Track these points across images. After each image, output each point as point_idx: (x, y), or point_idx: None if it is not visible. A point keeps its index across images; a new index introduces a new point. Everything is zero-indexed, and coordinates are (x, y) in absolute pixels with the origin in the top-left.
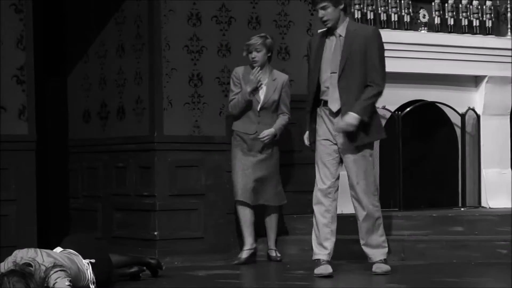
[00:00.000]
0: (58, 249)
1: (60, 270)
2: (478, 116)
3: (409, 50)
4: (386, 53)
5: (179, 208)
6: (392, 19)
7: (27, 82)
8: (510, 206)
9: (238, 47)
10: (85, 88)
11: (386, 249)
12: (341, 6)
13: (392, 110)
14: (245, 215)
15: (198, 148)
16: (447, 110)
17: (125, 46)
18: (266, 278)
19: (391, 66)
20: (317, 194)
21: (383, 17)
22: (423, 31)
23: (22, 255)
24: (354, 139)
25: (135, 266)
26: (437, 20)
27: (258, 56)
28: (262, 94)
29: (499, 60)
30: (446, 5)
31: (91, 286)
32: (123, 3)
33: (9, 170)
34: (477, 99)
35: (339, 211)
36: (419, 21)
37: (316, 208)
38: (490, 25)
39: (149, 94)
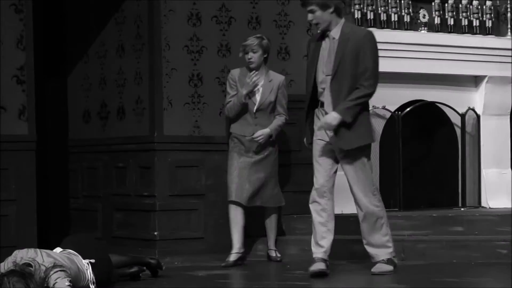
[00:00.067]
0: (58, 249)
1: (60, 270)
2: (478, 116)
3: (409, 50)
4: (386, 53)
5: (179, 208)
6: (392, 19)
7: (27, 82)
8: (510, 206)
9: (238, 47)
10: (85, 88)
11: (391, 249)
12: (331, 9)
13: (392, 110)
14: (237, 217)
15: (198, 148)
16: (447, 110)
17: (125, 46)
18: (266, 278)
19: (391, 66)
20: (312, 193)
21: (383, 17)
22: (423, 31)
23: (22, 255)
24: (343, 143)
25: (135, 266)
26: (437, 20)
27: (254, 57)
28: (258, 95)
29: (499, 60)
30: (446, 5)
31: (91, 286)
32: (123, 3)
33: (9, 170)
34: (477, 99)
35: (339, 211)
36: (419, 21)
37: (312, 207)
38: (490, 25)
39: (149, 94)
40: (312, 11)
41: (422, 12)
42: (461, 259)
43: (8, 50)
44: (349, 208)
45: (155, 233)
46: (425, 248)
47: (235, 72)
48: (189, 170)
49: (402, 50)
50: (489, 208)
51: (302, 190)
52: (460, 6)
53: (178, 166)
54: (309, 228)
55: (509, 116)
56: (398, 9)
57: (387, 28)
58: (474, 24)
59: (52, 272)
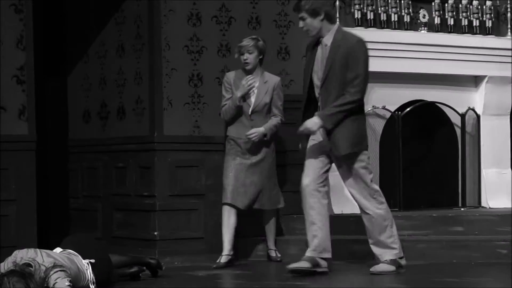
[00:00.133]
0: (58, 250)
1: (60, 270)
2: (478, 116)
3: (409, 50)
4: (386, 53)
5: (179, 208)
6: (392, 19)
7: (27, 82)
8: (510, 206)
9: None
10: (85, 88)
11: (396, 250)
12: (321, 17)
13: (392, 110)
14: (230, 219)
15: (198, 148)
16: (447, 110)
17: (125, 46)
18: (266, 278)
19: (391, 66)
20: (301, 192)
21: (383, 17)
22: (423, 31)
23: (22, 255)
24: (335, 150)
25: (135, 266)
26: (437, 20)
27: (250, 58)
28: (253, 97)
29: (499, 60)
30: (446, 5)
31: (91, 286)
32: (123, 3)
33: (9, 170)
34: (477, 99)
35: (339, 211)
36: (419, 21)
37: (303, 205)
38: (490, 25)
39: (149, 94)
40: (302, 18)
41: (422, 12)
42: (461, 259)
43: (8, 50)
44: (349, 208)
45: (155, 233)
46: (425, 248)
47: (230, 75)
48: (189, 170)
49: (402, 50)
50: (489, 208)
51: None
52: (460, 6)
53: (178, 166)
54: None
55: (509, 116)
56: (398, 9)
57: (387, 28)
58: (474, 24)
59: (52, 272)
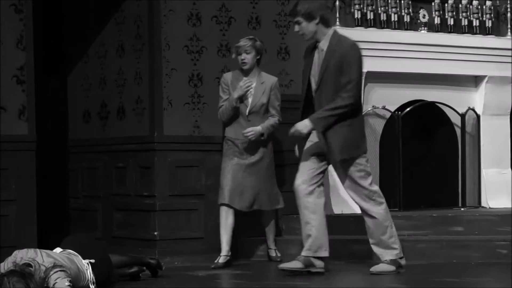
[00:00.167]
0: (58, 250)
1: (60, 271)
2: (478, 116)
3: (409, 50)
4: (386, 53)
5: (179, 208)
6: (392, 19)
7: (27, 82)
8: (510, 206)
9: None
10: (85, 88)
11: (396, 251)
12: (316, 20)
13: (392, 110)
14: (227, 220)
15: (198, 148)
16: (447, 110)
17: (125, 46)
18: (266, 278)
19: (391, 66)
20: (294, 192)
21: (383, 17)
22: (423, 31)
23: (22, 255)
24: (331, 155)
25: (135, 266)
26: (437, 20)
27: (247, 57)
28: (250, 98)
29: (499, 60)
30: (446, 5)
31: (91, 286)
32: (123, 3)
33: (9, 170)
34: (477, 99)
35: (338, 211)
36: (419, 21)
37: (297, 206)
38: (490, 25)
39: (149, 94)
40: (298, 22)
41: (422, 12)
42: (461, 259)
43: (8, 50)
44: (349, 208)
45: (155, 233)
46: (425, 248)
47: (228, 76)
48: (189, 170)
49: (402, 50)
50: (489, 208)
51: None
52: (460, 6)
53: (178, 166)
54: None
55: (509, 116)
56: (398, 9)
57: (387, 28)
58: (474, 24)
59: (52, 272)
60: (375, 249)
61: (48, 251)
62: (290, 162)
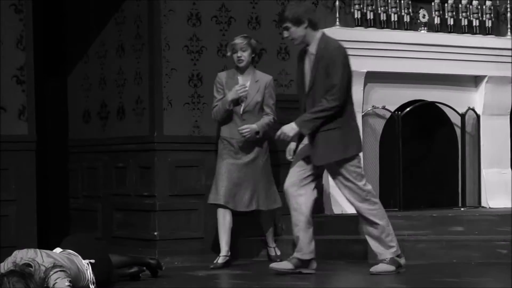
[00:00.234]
0: (58, 250)
1: (60, 271)
2: (478, 116)
3: (409, 50)
4: (386, 53)
5: (179, 208)
6: (392, 19)
7: (27, 82)
8: (510, 206)
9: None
10: (85, 88)
11: (394, 249)
12: (305, 24)
13: (392, 110)
14: (225, 220)
15: (198, 148)
16: (447, 110)
17: (125, 46)
18: (266, 278)
19: (391, 66)
20: (285, 194)
21: (383, 17)
22: (423, 31)
23: (22, 255)
24: (316, 159)
25: (135, 266)
26: (437, 20)
27: (244, 55)
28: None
29: (499, 60)
30: (446, 5)
31: (91, 286)
32: (123, 3)
33: (9, 170)
34: (477, 99)
35: (338, 211)
36: (419, 21)
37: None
38: (490, 25)
39: (149, 94)
40: (286, 28)
41: (422, 12)
42: (461, 259)
43: (8, 50)
44: (349, 208)
45: (155, 233)
46: (425, 248)
47: (222, 75)
48: (189, 170)
49: (402, 50)
50: (489, 208)
51: None
52: (460, 6)
53: (178, 166)
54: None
55: (509, 116)
56: (398, 9)
57: (387, 28)
58: (474, 24)
59: (52, 272)
60: (374, 248)
61: (48, 251)
62: (286, 162)
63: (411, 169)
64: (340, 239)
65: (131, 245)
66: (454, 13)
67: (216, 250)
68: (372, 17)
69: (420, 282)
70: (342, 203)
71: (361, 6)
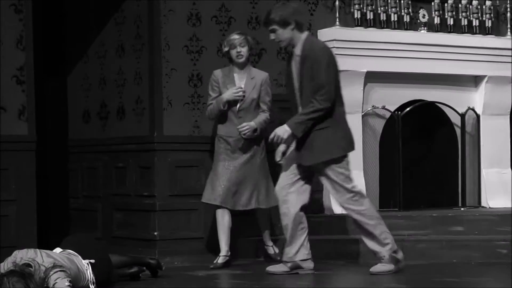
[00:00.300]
0: (58, 250)
1: (60, 271)
2: (478, 116)
3: (409, 50)
4: (386, 53)
5: (179, 208)
6: (392, 19)
7: (27, 82)
8: (510, 206)
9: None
10: (85, 88)
11: (389, 245)
12: (291, 26)
13: (392, 110)
14: (224, 220)
15: (198, 148)
16: (447, 110)
17: (125, 46)
18: (266, 278)
19: (391, 66)
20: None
21: (383, 17)
22: (422, 31)
23: (21, 255)
24: (303, 159)
25: (135, 266)
26: (436, 20)
27: (243, 51)
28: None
29: (499, 60)
30: (445, 5)
31: (91, 286)
32: (123, 3)
33: (9, 170)
34: (477, 99)
35: (338, 211)
36: (418, 21)
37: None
38: (489, 25)
39: (149, 94)
40: (273, 30)
41: (421, 12)
42: (461, 259)
43: (8, 50)
44: None
45: (155, 233)
46: (425, 248)
47: (218, 73)
48: (189, 170)
49: (402, 50)
50: (489, 208)
51: None
52: (460, 6)
53: (178, 166)
54: (307, 228)
55: (509, 116)
56: (397, 9)
57: (386, 28)
58: (474, 24)
59: (52, 272)
60: (370, 247)
61: (48, 251)
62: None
63: (411, 169)
64: (340, 239)
65: (131, 245)
66: (454, 13)
67: (216, 250)
68: (372, 17)
69: (420, 282)
70: None
71: (361, 6)
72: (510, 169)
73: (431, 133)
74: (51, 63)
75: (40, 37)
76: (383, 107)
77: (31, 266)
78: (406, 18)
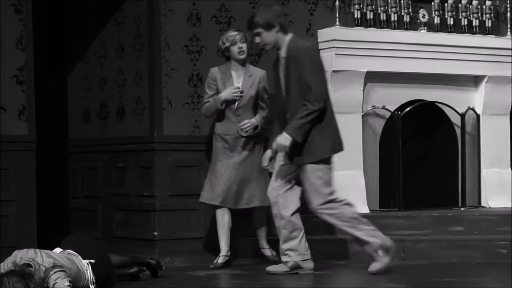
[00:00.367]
0: (58, 250)
1: (60, 271)
2: (478, 116)
3: (409, 50)
4: (386, 53)
5: (179, 208)
6: (392, 19)
7: (27, 82)
8: (510, 206)
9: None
10: (85, 88)
11: (378, 240)
12: (276, 28)
13: (392, 110)
14: (224, 219)
15: (198, 148)
16: (447, 110)
17: (125, 46)
18: (266, 278)
19: (391, 66)
20: None
21: (383, 17)
22: (422, 31)
23: (21, 255)
24: (295, 160)
25: (135, 266)
26: (436, 20)
27: (244, 47)
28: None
29: (499, 60)
30: (445, 5)
31: (91, 287)
32: (123, 3)
33: (9, 170)
34: (477, 99)
35: None
36: (418, 21)
37: None
38: (489, 25)
39: (149, 94)
40: (258, 34)
41: (421, 12)
42: (461, 259)
43: (8, 50)
44: None
45: (155, 233)
46: (425, 248)
47: (215, 71)
48: (189, 170)
49: (402, 50)
50: (489, 208)
51: None
52: (460, 6)
53: (178, 166)
54: (307, 228)
55: (509, 116)
56: (397, 9)
57: (386, 28)
58: (474, 24)
59: (52, 272)
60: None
61: (48, 251)
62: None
63: (411, 169)
64: (340, 239)
65: (131, 245)
66: (454, 13)
67: (216, 250)
68: (372, 17)
69: (420, 282)
70: None
71: (361, 6)
72: (510, 169)
73: (431, 133)
74: (51, 63)
75: (40, 37)
76: (383, 107)
77: (31, 266)
78: (406, 18)
